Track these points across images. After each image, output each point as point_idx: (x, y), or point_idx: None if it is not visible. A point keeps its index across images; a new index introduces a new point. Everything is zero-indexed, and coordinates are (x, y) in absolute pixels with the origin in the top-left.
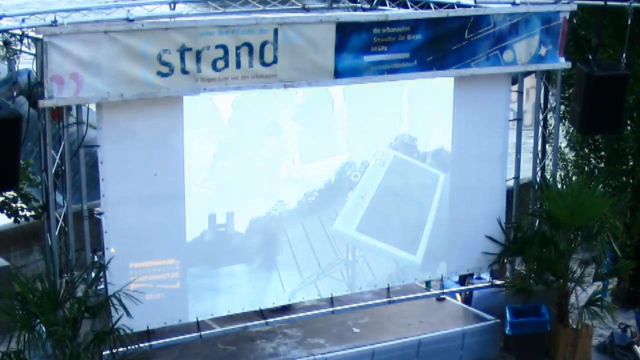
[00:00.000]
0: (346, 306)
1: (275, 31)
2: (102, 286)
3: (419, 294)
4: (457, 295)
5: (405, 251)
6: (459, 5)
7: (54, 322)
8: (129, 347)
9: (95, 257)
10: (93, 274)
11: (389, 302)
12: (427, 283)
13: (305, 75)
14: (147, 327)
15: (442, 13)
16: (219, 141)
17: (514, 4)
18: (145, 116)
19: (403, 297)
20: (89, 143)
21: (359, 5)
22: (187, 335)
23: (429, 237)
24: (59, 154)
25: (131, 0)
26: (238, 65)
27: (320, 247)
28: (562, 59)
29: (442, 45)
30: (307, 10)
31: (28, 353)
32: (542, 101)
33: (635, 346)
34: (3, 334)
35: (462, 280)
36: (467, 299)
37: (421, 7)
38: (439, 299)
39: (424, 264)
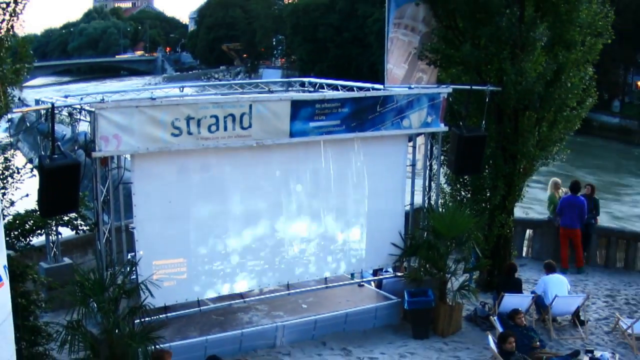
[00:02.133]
0: (298, 290)
1: (250, 106)
2: (134, 276)
3: (347, 282)
4: (372, 282)
5: (338, 253)
6: (373, 89)
7: (102, 301)
8: (152, 318)
9: (130, 257)
10: (128, 269)
11: (327, 287)
12: (352, 275)
13: (270, 136)
14: (164, 304)
15: (362, 94)
16: (211, 177)
17: (410, 87)
18: (163, 162)
19: (336, 284)
20: (126, 181)
21: (306, 88)
22: (191, 310)
23: (355, 244)
24: (105, 188)
25: (153, 85)
26: (225, 128)
27: (282, 251)
28: (442, 125)
29: (361, 116)
30: (271, 92)
31: (84, 321)
32: (429, 152)
33: (491, 317)
34: (67, 308)
35: (375, 272)
36: (379, 285)
37: (347, 90)
38: (360, 285)
39: (350, 262)
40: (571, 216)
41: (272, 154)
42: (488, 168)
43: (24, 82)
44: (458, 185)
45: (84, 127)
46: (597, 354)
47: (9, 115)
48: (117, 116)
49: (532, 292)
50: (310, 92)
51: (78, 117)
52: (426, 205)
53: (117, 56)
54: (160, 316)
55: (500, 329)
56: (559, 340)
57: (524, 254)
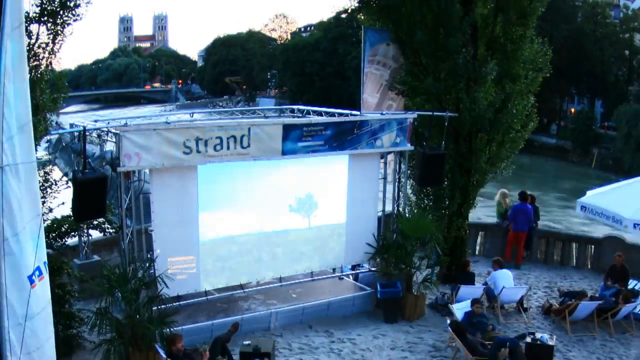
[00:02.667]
0: (289, 282)
1: (249, 129)
2: (152, 271)
3: (329, 276)
4: (350, 276)
5: (322, 251)
6: (351, 115)
7: (125, 291)
8: (167, 305)
9: (148, 254)
10: (147, 264)
11: (312, 280)
12: (334, 269)
13: (265, 154)
14: (177, 294)
15: (342, 119)
16: (216, 188)
17: (381, 113)
18: (176, 176)
19: (320, 277)
20: (145, 191)
21: (295, 114)
22: (200, 299)
23: (336, 244)
24: (128, 197)
25: (168, 112)
26: (228, 147)
27: (275, 249)
28: (409, 145)
29: (341, 137)
30: (266, 117)
31: (111, 308)
32: (398, 168)
33: (449, 304)
34: (96, 297)
35: (353, 267)
36: (356, 278)
37: (330, 116)
38: (340, 279)
39: (332, 259)
40: (522, 221)
41: (267, 169)
42: (447, 181)
43: (60, 109)
44: (422, 195)
45: (110, 146)
46: (538, 335)
47: (48, 137)
48: (138, 137)
49: (484, 284)
50: (299, 117)
51: (105, 138)
52: (395, 212)
53: (146, 86)
54: (174, 304)
55: (457, 316)
56: (506, 324)
57: (476, 252)
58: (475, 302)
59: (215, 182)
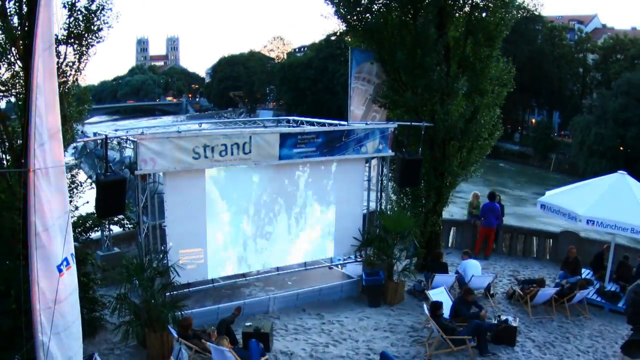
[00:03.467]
0: (285, 271)
1: (250, 137)
2: (165, 261)
3: (321, 265)
4: (339, 266)
5: (316, 244)
6: (340, 125)
7: (142, 279)
8: (178, 291)
9: (162, 247)
10: (161, 256)
11: (306, 269)
12: (324, 260)
13: (264, 159)
14: (187, 281)
15: (331, 128)
16: (220, 189)
17: (366, 124)
18: (186, 178)
19: (313, 267)
20: (159, 192)
21: (290, 124)
22: (207, 286)
23: (326, 237)
24: (145, 197)
25: (179, 122)
26: (232, 153)
27: (274, 243)
28: (390, 151)
29: (331, 144)
30: (265, 127)
31: (129, 294)
32: (380, 171)
33: (425, 290)
34: (117, 285)
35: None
36: (344, 268)
37: (321, 125)
38: (330, 268)
39: (323, 251)
40: (490, 217)
41: (267, 172)
42: (423, 182)
43: (85, 120)
44: (401, 195)
45: (129, 152)
46: (503, 317)
47: (75, 144)
48: (153, 144)
49: (456, 272)
50: (293, 127)
51: (125, 145)
52: (378, 209)
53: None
54: (184, 290)
55: (431, 299)
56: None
57: (449, 245)
58: (468, 291)
59: (220, 184)
